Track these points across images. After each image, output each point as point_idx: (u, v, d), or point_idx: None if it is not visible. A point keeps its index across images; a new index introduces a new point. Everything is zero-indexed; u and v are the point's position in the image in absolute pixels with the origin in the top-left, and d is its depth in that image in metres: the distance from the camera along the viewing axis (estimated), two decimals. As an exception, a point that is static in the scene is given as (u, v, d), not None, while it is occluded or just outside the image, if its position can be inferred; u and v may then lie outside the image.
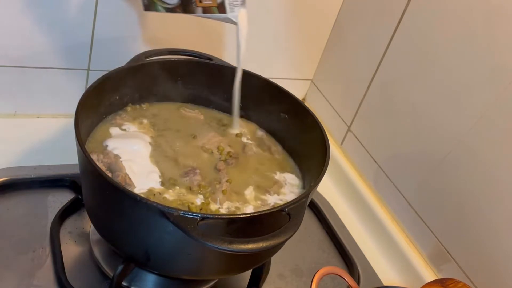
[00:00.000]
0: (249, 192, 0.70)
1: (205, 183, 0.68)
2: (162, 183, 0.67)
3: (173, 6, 0.70)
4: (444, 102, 0.82)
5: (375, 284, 0.82)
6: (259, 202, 0.69)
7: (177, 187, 0.67)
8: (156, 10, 0.72)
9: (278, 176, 0.74)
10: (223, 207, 0.66)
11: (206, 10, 0.70)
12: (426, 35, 0.85)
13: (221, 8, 0.69)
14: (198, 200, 0.66)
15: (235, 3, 0.70)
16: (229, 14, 0.70)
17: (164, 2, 0.70)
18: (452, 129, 0.80)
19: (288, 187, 0.73)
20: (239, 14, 0.71)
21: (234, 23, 0.71)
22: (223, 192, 0.68)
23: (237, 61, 0.76)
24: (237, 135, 0.79)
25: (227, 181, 0.70)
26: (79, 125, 0.61)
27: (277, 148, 0.79)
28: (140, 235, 0.60)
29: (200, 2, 0.69)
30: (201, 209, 0.65)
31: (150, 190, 0.65)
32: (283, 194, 0.71)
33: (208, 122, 0.80)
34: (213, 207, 0.66)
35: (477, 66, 0.77)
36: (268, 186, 0.72)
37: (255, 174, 0.73)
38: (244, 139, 0.79)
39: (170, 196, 0.65)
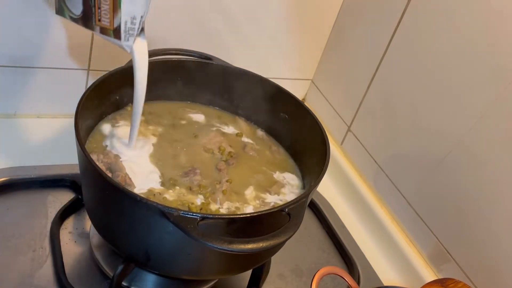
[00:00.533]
0: (249, 192, 0.70)
1: (205, 183, 0.68)
2: (162, 183, 0.67)
3: (76, 17, 0.64)
4: (444, 102, 0.82)
5: (375, 284, 0.82)
6: (259, 202, 0.69)
7: (177, 187, 0.67)
8: (64, 16, 0.66)
9: (278, 176, 0.74)
10: (223, 207, 0.66)
11: (103, 31, 0.62)
12: (426, 35, 0.85)
13: (117, 33, 0.62)
14: (198, 200, 0.66)
15: (131, 32, 0.61)
16: (123, 42, 0.62)
17: (70, 11, 0.64)
18: (452, 129, 0.80)
19: (288, 187, 0.73)
20: (135, 45, 0.63)
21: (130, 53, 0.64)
22: (223, 192, 0.68)
23: (135, 97, 0.66)
24: (237, 134, 0.79)
25: (227, 181, 0.70)
26: (79, 125, 0.61)
27: (277, 148, 0.79)
28: (140, 235, 0.60)
29: (99, 21, 0.62)
30: (201, 209, 0.65)
31: (150, 190, 0.65)
32: (283, 194, 0.71)
33: (208, 121, 0.80)
34: (213, 207, 0.66)
35: (477, 66, 0.76)
36: (268, 186, 0.72)
37: (255, 174, 0.73)
38: (245, 139, 0.79)
39: (170, 196, 0.65)
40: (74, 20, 0.65)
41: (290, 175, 0.75)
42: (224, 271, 0.68)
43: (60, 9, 0.65)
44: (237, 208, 0.67)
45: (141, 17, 0.62)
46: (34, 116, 0.91)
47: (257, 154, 0.77)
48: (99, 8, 0.61)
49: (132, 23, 0.61)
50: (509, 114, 0.72)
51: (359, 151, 1.00)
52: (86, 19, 0.63)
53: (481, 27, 0.76)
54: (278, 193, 0.71)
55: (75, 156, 0.61)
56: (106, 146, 0.69)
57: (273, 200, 0.70)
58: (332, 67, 1.08)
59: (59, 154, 0.81)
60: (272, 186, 0.72)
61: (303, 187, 0.74)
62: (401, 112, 0.90)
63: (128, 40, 0.62)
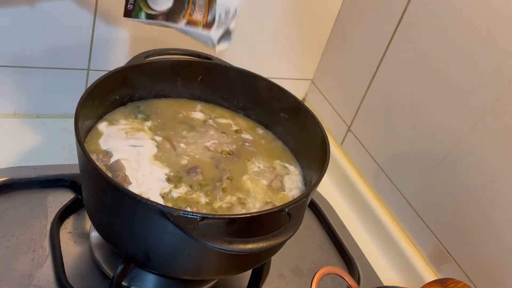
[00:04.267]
0: (250, 189, 0.70)
1: (206, 181, 0.68)
2: (163, 182, 0.67)
3: (157, 13, 0.67)
4: (444, 102, 0.82)
5: (375, 284, 0.82)
6: (259, 199, 0.69)
7: (179, 186, 0.67)
8: (136, 17, 0.67)
9: (279, 172, 0.74)
10: (224, 204, 0.66)
11: (191, 23, 0.67)
12: (426, 35, 0.85)
13: (207, 26, 0.67)
14: (203, 199, 0.66)
15: (222, 23, 0.68)
16: (211, 34, 0.68)
17: (150, 8, 0.66)
18: (452, 129, 0.80)
19: (288, 184, 0.73)
20: (218, 45, 0.69)
21: (210, 45, 0.69)
22: (223, 190, 0.68)
23: None
24: (236, 131, 0.79)
25: (228, 178, 0.70)
26: (79, 125, 0.61)
27: (276, 144, 0.79)
28: (140, 235, 0.60)
29: (190, 15, 0.66)
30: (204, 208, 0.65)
31: (154, 190, 0.65)
32: (284, 191, 0.71)
33: (208, 119, 0.80)
34: (215, 205, 0.66)
35: (477, 66, 0.76)
36: (270, 179, 0.72)
37: (256, 171, 0.73)
38: (244, 135, 0.79)
39: (176, 195, 0.65)
40: (151, 17, 0.66)
41: (291, 173, 0.75)
42: (224, 271, 0.67)
43: (134, 10, 0.67)
44: (237, 206, 0.67)
45: (235, 9, 0.67)
46: (34, 116, 0.91)
47: (257, 149, 0.77)
48: (193, 3, 0.65)
49: (225, 17, 0.67)
50: (509, 114, 0.72)
51: (359, 151, 1.00)
52: (172, 13, 0.66)
53: (481, 27, 0.76)
54: (278, 191, 0.71)
55: (75, 156, 0.61)
56: (106, 145, 0.69)
57: (273, 198, 0.70)
58: (332, 67, 1.08)
59: (59, 154, 0.81)
60: (273, 183, 0.72)
61: (304, 185, 0.74)
62: (401, 112, 0.90)
63: (217, 31, 0.68)
